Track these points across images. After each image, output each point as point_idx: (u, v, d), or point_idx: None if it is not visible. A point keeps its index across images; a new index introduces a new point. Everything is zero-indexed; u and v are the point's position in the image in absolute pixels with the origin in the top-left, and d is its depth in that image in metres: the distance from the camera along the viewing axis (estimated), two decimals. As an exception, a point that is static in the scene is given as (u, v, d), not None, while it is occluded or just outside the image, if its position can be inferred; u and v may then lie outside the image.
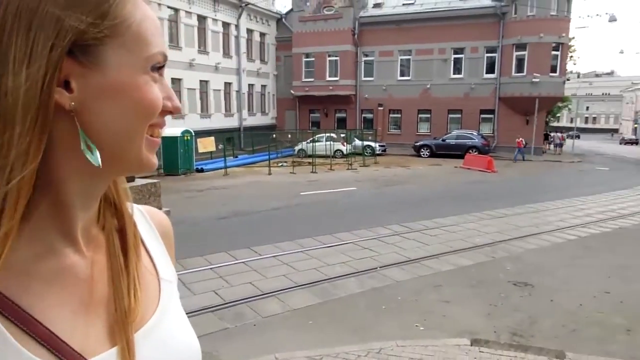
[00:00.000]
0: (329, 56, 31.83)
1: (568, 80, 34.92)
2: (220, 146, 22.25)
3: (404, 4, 31.83)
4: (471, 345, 4.77)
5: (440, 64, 30.49)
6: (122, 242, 0.66)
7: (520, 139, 26.66)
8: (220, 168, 21.03)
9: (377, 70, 32.01)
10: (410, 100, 31.32)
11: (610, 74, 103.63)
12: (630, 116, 78.35)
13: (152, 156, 0.59)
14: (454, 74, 30.52)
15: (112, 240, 0.65)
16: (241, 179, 18.85)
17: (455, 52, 30.22)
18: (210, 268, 7.48)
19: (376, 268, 7.66)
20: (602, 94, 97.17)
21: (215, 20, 27.32)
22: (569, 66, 40.18)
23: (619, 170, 24.64)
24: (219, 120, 28.10)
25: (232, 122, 29.82)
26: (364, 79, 32.40)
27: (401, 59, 31.62)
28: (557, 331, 5.30)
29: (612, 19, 27.11)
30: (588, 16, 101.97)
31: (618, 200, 14.23)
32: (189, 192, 15.64)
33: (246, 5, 29.01)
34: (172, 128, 20.85)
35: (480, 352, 4.63)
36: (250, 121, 31.48)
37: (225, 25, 28.55)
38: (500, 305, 6.07)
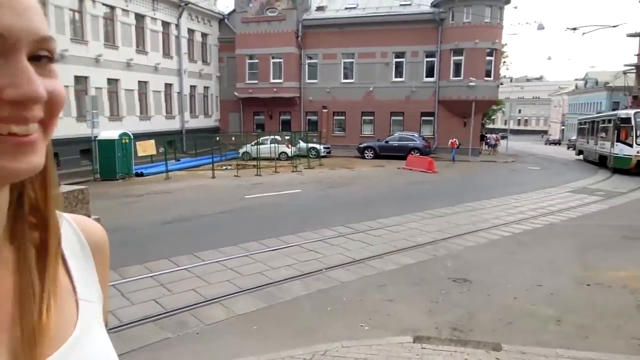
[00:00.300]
0: (273, 58, 31.69)
1: (501, 84, 36.74)
2: (161, 149, 21.59)
3: (346, 8, 32.27)
4: (414, 342, 4.87)
5: (383, 68, 31.17)
6: (41, 257, 0.59)
7: (454, 140, 27.70)
8: (162, 172, 20.38)
9: (321, 72, 32.25)
10: (354, 103, 31.79)
11: (540, 78, 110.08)
12: (557, 118, 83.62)
13: (12, 161, 0.49)
14: (395, 77, 31.29)
15: (24, 256, 0.58)
16: (184, 183, 18.35)
17: (397, 56, 31.01)
18: (151, 276, 7.20)
19: (321, 270, 7.68)
20: (533, 98, 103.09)
21: (154, 19, 26.47)
22: (502, 71, 42.31)
23: (548, 169, 26.21)
24: (159, 123, 27.23)
25: (173, 125, 28.99)
26: (308, 81, 32.53)
27: (344, 62, 32.04)
28: (494, 324, 5.52)
29: (541, 27, 28.81)
30: (519, 24, 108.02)
31: (548, 197, 15.11)
32: (127, 198, 15.03)
33: (186, 4, 28.30)
34: (109, 131, 19.98)
35: (422, 348, 4.74)
36: (193, 123, 30.74)
37: (165, 24, 27.73)
38: (441, 301, 6.25)
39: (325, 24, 31.46)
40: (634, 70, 49.51)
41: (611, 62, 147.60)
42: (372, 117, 32.20)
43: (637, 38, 48.29)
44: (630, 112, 22.08)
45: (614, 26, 19.12)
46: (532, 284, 6.84)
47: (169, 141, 26.23)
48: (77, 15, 21.40)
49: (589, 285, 6.76)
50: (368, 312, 5.94)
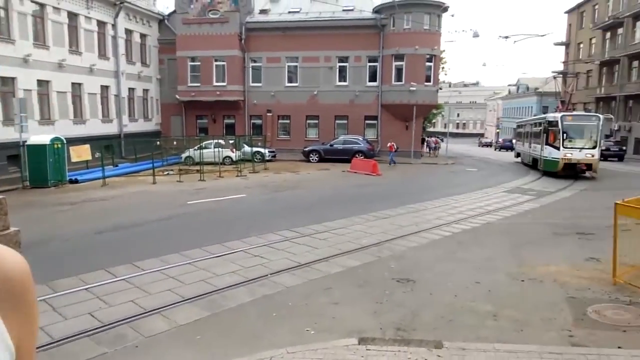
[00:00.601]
0: (216, 61, 31.15)
1: (441, 89, 38.11)
2: (97, 154, 20.57)
3: (289, 12, 32.31)
4: (359, 344, 4.90)
5: (327, 72, 31.44)
6: None
7: (392, 143, 27.87)
8: (98, 178, 19.43)
9: (265, 76, 32.06)
10: (299, 106, 31.84)
11: (476, 84, 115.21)
12: (493, 122, 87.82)
13: None
14: (339, 81, 31.66)
15: None
16: (122, 190, 17.60)
17: (340, 61, 31.39)
18: (86, 288, 6.84)
19: (267, 275, 7.59)
20: (470, 102, 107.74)
21: (88, 18, 25.25)
22: (441, 76, 43.91)
23: (485, 170, 27.41)
24: (95, 127, 25.98)
25: (111, 129, 27.77)
26: (252, 84, 32.24)
27: (288, 66, 32.04)
28: (436, 322, 5.67)
29: (476, 35, 30.16)
30: (455, 31, 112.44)
31: (485, 197, 15.78)
32: (60, 206, 14.21)
33: (122, 3, 27.22)
34: (39, 135, 18.82)
35: (367, 350, 4.78)
36: (132, 127, 29.59)
37: (101, 24, 26.53)
38: (386, 302, 6.34)
39: (269, 27, 31.34)
40: (561, 76, 52.93)
41: (541, 68, 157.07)
42: (316, 121, 32.38)
43: (563, 47, 51.75)
44: (558, 115, 21.86)
45: (542, 35, 20.66)
46: (471, 282, 7.09)
47: (106, 146, 25.02)
48: (1, 12, 20.03)
49: (523, 280, 7.10)
50: (314, 316, 5.93)
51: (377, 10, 30.55)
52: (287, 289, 6.97)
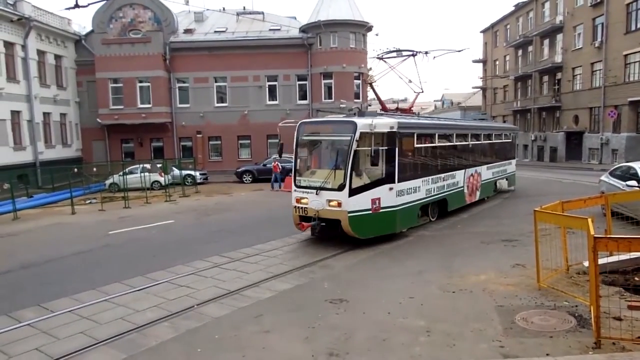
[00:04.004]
0: (140, 82, 29.95)
1: (370, 105, 39.00)
2: (6, 185, 18.84)
3: (215, 31, 31.87)
4: (288, 377, 4.58)
5: (256, 91, 31.17)
6: None
7: (276, 162, 24.27)
8: (9, 212, 17.76)
9: (193, 96, 31.23)
10: (229, 127, 31.24)
11: (404, 100, 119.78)
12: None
13: None
14: (269, 100, 31.48)
15: None
16: (36, 223, 16.17)
17: (269, 80, 31.28)
18: (-20, 339, 6.01)
19: (193, 306, 7.11)
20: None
21: (-6, 39, 23.40)
22: (370, 93, 45.00)
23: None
24: (6, 155, 23.90)
25: (24, 157, 25.70)
26: (179, 105, 31.27)
27: (217, 86, 31.45)
28: (370, 343, 5.47)
29: (400, 54, 31.20)
30: (380, 49, 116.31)
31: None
32: (-40, 245, 12.76)
33: (32, 22, 25.50)
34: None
35: (297, 382, 4.46)
36: (49, 154, 27.57)
37: (8, 45, 24.63)
38: (318, 326, 6.07)
39: (195, 47, 30.68)
40: (481, 92, 56.15)
41: (462, 84, 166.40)
42: (248, 141, 31.90)
43: (481, 64, 55.05)
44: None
45: (459, 51, 21.23)
46: (404, 297, 6.99)
47: (20, 175, 23.13)
48: None
49: (454, 292, 7.11)
50: (242, 348, 5.54)
51: (304, 29, 30.88)
52: (215, 320, 6.53)
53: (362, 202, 10.15)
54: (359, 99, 30.81)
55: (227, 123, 31.19)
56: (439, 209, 13.43)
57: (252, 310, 6.81)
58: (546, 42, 39.38)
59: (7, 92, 24.18)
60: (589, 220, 5.35)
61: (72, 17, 33.15)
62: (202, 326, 6.30)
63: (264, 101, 31.28)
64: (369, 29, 31.05)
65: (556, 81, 38.32)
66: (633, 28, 28.65)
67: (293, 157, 11.39)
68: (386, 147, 10.46)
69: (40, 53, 27.27)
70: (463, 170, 14.56)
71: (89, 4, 10.70)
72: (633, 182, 11.40)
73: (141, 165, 24.74)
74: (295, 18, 34.96)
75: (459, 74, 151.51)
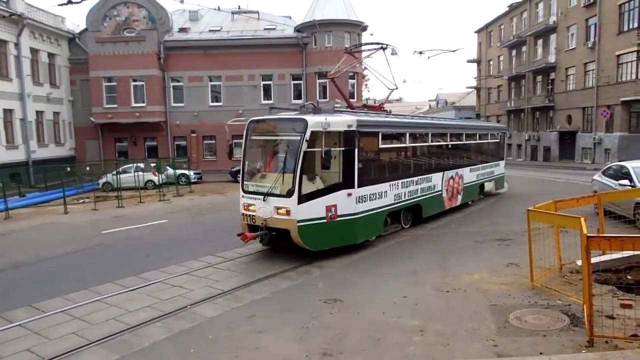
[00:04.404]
0: (134, 81, 29.79)
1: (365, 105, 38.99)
2: (-1, 184, 18.67)
3: (210, 30, 31.75)
4: (282, 377, 4.56)
5: (251, 90, 31.09)
6: None
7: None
8: (0, 211, 17.60)
9: (188, 95, 31.11)
10: (224, 126, 31.06)
11: (399, 100, 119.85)
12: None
13: None
14: (264, 99, 31.40)
15: None
16: (28, 222, 16.04)
17: (264, 79, 31.21)
18: (-30, 340, 5.95)
19: (186, 307, 7.07)
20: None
21: (-14, 37, 23.20)
22: (365, 93, 45.11)
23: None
24: (-2, 154, 23.73)
25: (17, 155, 25.49)
26: (174, 105, 31.12)
27: (212, 85, 31.35)
28: (364, 343, 5.46)
29: (394, 53, 31.22)
30: (375, 49, 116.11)
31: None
32: (-49, 244, 12.64)
33: (26, 20, 25.30)
34: None
35: (291, 382, 4.45)
36: (42, 153, 27.37)
37: (1, 42, 24.41)
38: (312, 326, 6.06)
39: (189, 46, 30.55)
40: (475, 91, 56.35)
41: (456, 84, 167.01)
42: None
43: (475, 64, 55.22)
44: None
45: (453, 51, 21.29)
46: (398, 296, 6.99)
47: (12, 174, 22.96)
48: None
49: (448, 291, 7.11)
50: (236, 348, 5.52)
51: (299, 29, 30.83)
52: (208, 320, 6.50)
53: (314, 209, 9.02)
54: (353, 98, 30.79)
55: (221, 122, 30.84)
56: (414, 215, 12.46)
57: (245, 311, 6.79)
58: (540, 42, 39.55)
59: (0, 90, 23.98)
60: (582, 219, 5.37)
61: (66, 15, 32.97)
62: (196, 326, 6.27)
63: (258, 100, 31.20)
64: (364, 28, 31.05)
65: (550, 81, 38.50)
66: (625, 28, 28.82)
67: (241, 158, 10.29)
68: (343, 148, 9.39)
69: (34, 51, 27.06)
70: (441, 173, 13.45)
71: (82, 0, 10.61)
72: (625, 181, 11.47)
73: (135, 165, 24.63)
74: (291, 17, 34.90)
75: (454, 74, 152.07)
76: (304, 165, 8.90)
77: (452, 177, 14.15)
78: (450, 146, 14.24)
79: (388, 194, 10.83)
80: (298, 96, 31.33)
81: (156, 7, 30.14)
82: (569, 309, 6.01)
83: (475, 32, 54.60)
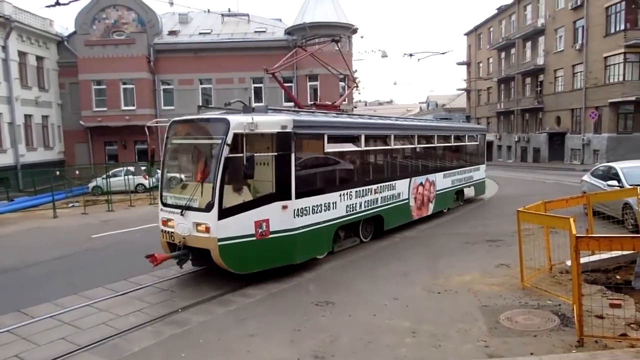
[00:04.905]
0: (124, 84, 29.62)
1: (356, 107, 39.13)
2: (-14, 189, 18.47)
3: (200, 33, 31.66)
4: (274, 380, 4.54)
5: (242, 93, 30.98)
6: None
7: None
8: (-12, 215, 17.42)
9: (178, 98, 30.97)
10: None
11: (390, 102, 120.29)
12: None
13: None
14: (255, 102, 31.29)
15: None
16: (16, 227, 15.87)
17: (255, 82, 31.18)
18: (-44, 347, 5.86)
19: (177, 310, 7.02)
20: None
21: (-27, 40, 22.95)
22: (356, 96, 45.25)
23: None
24: (-15, 158, 23.46)
25: (5, 160, 25.23)
26: (164, 108, 30.95)
27: (202, 87, 31.26)
28: (355, 345, 5.45)
29: (384, 55, 31.38)
30: (365, 52, 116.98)
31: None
32: (-62, 250, 12.45)
33: (13, 23, 25.05)
34: None
35: (282, 386, 4.43)
36: (31, 157, 27.11)
37: (-12, 46, 24.26)
38: (304, 328, 6.04)
39: (179, 49, 30.44)
40: (465, 93, 56.71)
41: (446, 86, 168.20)
42: (234, 143, 31.70)
43: (465, 66, 55.62)
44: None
45: (443, 53, 21.64)
46: (389, 298, 6.99)
47: (0, 178, 22.76)
48: None
49: (439, 293, 7.13)
50: (227, 352, 5.49)
51: (289, 31, 30.85)
52: (199, 324, 6.45)
53: (240, 225, 7.67)
54: (344, 101, 30.88)
55: (212, 125, 30.96)
56: (375, 227, 11.24)
57: (237, 314, 6.75)
58: (528, 44, 39.94)
59: (-13, 94, 23.74)
60: (571, 219, 5.42)
61: (54, 18, 32.68)
62: (186, 331, 6.23)
63: (250, 103, 31.14)
64: (354, 31, 31.13)
65: (538, 83, 38.88)
66: (612, 31, 29.20)
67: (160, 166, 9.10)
68: (277, 153, 8.09)
69: (22, 54, 26.82)
70: (407, 180, 12.20)
71: (70, 2, 10.50)
72: (614, 182, 11.59)
73: (125, 168, 24.45)
74: (281, 20, 34.90)
75: (444, 76, 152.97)
76: (227, 174, 7.55)
77: (421, 184, 12.88)
78: (418, 149, 13.00)
79: (338, 205, 9.50)
80: (289, 99, 31.33)
81: (145, 10, 30.00)
82: (559, 309, 6.05)
83: (464, 34, 55.01)
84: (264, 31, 31.50)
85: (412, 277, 8.12)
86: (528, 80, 40.58)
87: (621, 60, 28.61)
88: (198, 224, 7.70)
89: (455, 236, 11.51)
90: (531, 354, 4.87)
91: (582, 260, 5.54)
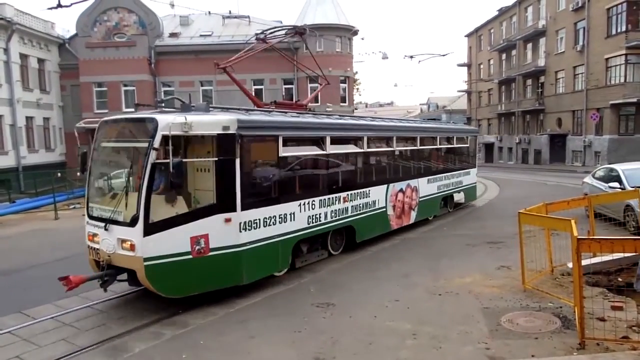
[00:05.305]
0: (125, 86, 29.66)
1: (356, 109, 39.17)
2: (-12, 191, 18.48)
3: (201, 35, 31.70)
4: (274, 382, 4.54)
5: (243, 95, 30.94)
6: None
7: None
8: (-11, 217, 17.42)
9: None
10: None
11: (391, 104, 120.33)
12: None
13: None
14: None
15: None
16: (17, 229, 15.88)
17: (256, 83, 31.20)
18: (-43, 349, 5.87)
19: (178, 312, 7.02)
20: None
21: (-26, 42, 23.01)
22: (357, 97, 45.30)
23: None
24: (-13, 160, 23.49)
25: (6, 161, 25.26)
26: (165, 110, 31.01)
27: (203, 90, 31.29)
28: (356, 347, 5.45)
29: (385, 57, 31.49)
30: (366, 54, 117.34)
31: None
32: (-61, 252, 12.47)
33: (15, 26, 25.11)
34: None
35: (283, 388, 4.42)
36: (32, 159, 27.15)
37: (-10, 48, 24.30)
38: (305, 330, 6.04)
39: (180, 51, 30.47)
40: (466, 95, 56.71)
41: (447, 88, 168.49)
42: (235, 145, 31.71)
43: (466, 67, 55.63)
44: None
45: (443, 55, 21.70)
46: (390, 300, 6.99)
47: (2, 180, 22.75)
48: None
49: (440, 294, 7.12)
50: (227, 354, 5.49)
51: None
52: (200, 325, 6.45)
53: (172, 242, 6.66)
54: (345, 102, 30.93)
55: (213, 127, 30.99)
56: (348, 238, 10.26)
57: (238, 316, 6.75)
58: (529, 46, 39.95)
59: (-11, 96, 23.79)
60: (572, 221, 5.41)
61: (55, 20, 32.77)
62: (187, 332, 6.23)
63: (251, 105, 31.20)
64: (355, 32, 31.18)
65: (539, 84, 38.87)
66: (613, 32, 29.21)
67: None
68: (218, 158, 7.03)
69: (23, 57, 26.87)
70: (384, 186, 11.16)
71: (72, 4, 10.56)
72: (615, 184, 11.59)
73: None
74: (282, 22, 34.91)
75: (445, 78, 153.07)
76: (152, 182, 6.52)
77: (401, 191, 11.80)
78: (398, 153, 11.91)
79: (297, 216, 8.46)
80: (290, 99, 31.36)
81: (146, 12, 30.04)
82: (560, 311, 6.04)
83: (465, 36, 55.05)
84: (265, 33, 31.51)
85: (413, 278, 8.11)
86: (529, 81, 40.58)
87: (622, 62, 28.62)
88: (123, 241, 6.65)
89: (456, 238, 11.51)
90: (532, 356, 4.86)
91: (584, 262, 5.54)
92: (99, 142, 7.74)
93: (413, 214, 12.56)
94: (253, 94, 31.24)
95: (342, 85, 30.82)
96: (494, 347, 5.17)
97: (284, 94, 31.32)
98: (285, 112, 9.58)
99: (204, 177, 7.24)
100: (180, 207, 6.89)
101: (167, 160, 6.38)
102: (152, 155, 6.48)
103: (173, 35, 31.41)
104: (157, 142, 6.50)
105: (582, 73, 32.43)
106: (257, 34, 11.32)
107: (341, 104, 30.46)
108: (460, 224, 13.62)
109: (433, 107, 71.08)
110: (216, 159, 7.05)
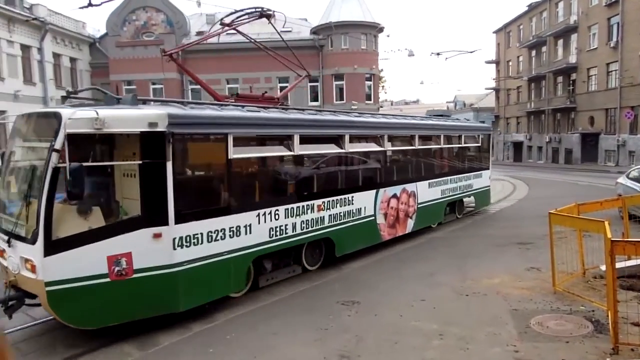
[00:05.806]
0: (153, 84, 30.25)
1: (382, 107, 38.94)
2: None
3: (227, 33, 31.91)
4: (299, 379, 4.54)
5: (268, 92, 31.22)
6: None
7: None
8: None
9: (205, 98, 31.32)
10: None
11: (417, 102, 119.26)
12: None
13: None
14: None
15: None
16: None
17: (281, 81, 31.34)
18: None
19: (206, 307, 7.09)
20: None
21: (10, 42, 23.80)
22: (382, 95, 45.04)
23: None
24: (21, 156, 24.26)
25: (40, 158, 26.07)
26: (192, 107, 31.49)
27: (229, 87, 31.59)
28: (381, 346, 5.41)
29: (411, 54, 31.18)
30: (392, 51, 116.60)
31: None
32: None
33: (48, 26, 25.88)
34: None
35: (308, 385, 4.43)
36: (64, 155, 27.96)
37: (25, 48, 25.07)
38: (330, 327, 6.03)
39: (207, 49, 30.85)
40: (494, 93, 55.73)
41: (474, 85, 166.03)
42: (260, 142, 31.94)
43: (494, 65, 54.65)
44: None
45: (471, 52, 21.28)
46: (415, 299, 6.92)
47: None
48: None
49: (467, 295, 7.01)
50: (253, 350, 5.52)
51: (315, 31, 30.92)
52: (226, 321, 6.51)
53: (83, 262, 5.47)
54: (370, 100, 30.80)
55: (239, 124, 31.29)
56: (328, 251, 8.96)
57: (263, 312, 6.78)
58: (560, 42, 38.97)
59: (24, 95, 24.56)
60: (606, 223, 5.25)
61: (86, 20, 33.65)
62: (213, 327, 6.30)
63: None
64: (380, 30, 30.99)
65: (571, 82, 37.90)
66: (650, 28, 28.23)
67: None
68: (143, 161, 5.84)
69: (56, 56, 27.68)
70: (373, 191, 9.75)
71: (101, 3, 10.84)
72: (651, 185, 11.19)
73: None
74: (307, 20, 35.08)
75: (472, 75, 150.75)
76: (53, 191, 5.28)
77: (395, 196, 10.40)
78: (390, 153, 10.51)
79: (255, 228, 7.14)
80: (315, 98, 31.44)
81: (174, 11, 30.55)
82: (592, 315, 5.87)
83: (493, 32, 54.09)
84: (290, 31, 31.61)
85: (439, 278, 8.01)
86: (560, 79, 39.60)
87: (659, 58, 27.65)
88: (26, 260, 5.51)
89: (482, 238, 11.32)
90: (562, 359, 4.74)
91: (618, 265, 5.37)
92: (13, 140, 6.65)
93: (410, 222, 11.10)
94: (279, 91, 31.53)
95: (367, 82, 30.69)
96: (522, 349, 5.07)
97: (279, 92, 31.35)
98: (243, 107, 7.89)
99: (128, 184, 6.14)
100: (96, 220, 5.71)
101: (84, 164, 5.28)
102: (54, 157, 5.30)
103: (199, 33, 31.78)
104: (59, 142, 5.30)
105: (615, 70, 31.47)
106: (222, 20, 10.11)
107: (366, 101, 30.34)
108: (487, 223, 13.40)
109: (460, 105, 70.13)
110: (140, 162, 5.83)
